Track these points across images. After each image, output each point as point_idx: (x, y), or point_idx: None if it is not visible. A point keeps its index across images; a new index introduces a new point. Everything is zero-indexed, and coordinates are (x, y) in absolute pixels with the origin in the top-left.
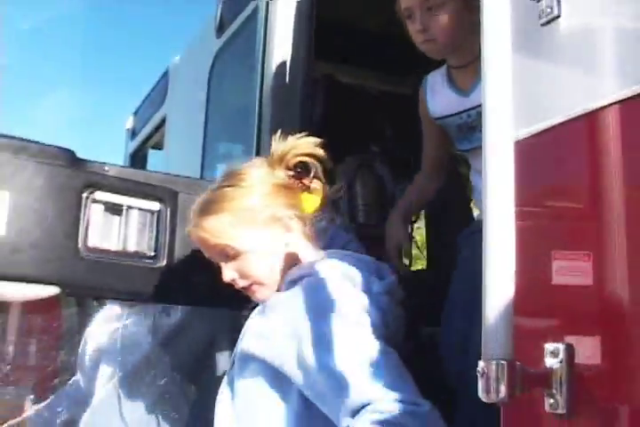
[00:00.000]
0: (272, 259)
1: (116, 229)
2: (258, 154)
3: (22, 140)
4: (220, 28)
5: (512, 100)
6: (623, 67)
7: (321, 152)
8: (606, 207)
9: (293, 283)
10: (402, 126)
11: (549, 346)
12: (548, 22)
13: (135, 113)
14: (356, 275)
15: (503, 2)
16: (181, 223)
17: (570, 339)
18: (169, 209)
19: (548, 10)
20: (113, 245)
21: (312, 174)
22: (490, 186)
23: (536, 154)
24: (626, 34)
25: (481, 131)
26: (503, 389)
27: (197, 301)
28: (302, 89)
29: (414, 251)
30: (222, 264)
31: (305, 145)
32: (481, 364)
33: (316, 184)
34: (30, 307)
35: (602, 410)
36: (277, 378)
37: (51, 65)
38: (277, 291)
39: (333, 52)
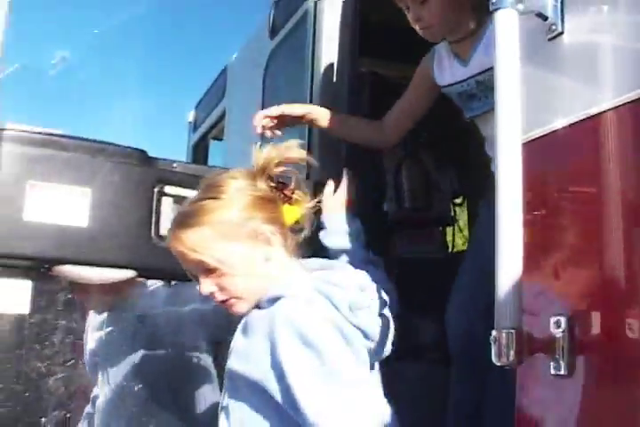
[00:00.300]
0: (251, 274)
1: None
2: (309, 146)
3: (100, 142)
4: (273, 30)
5: (521, 106)
6: (618, 76)
7: (303, 154)
8: (605, 195)
9: (272, 302)
10: (443, 118)
11: (553, 318)
12: (554, 38)
13: (196, 107)
14: (330, 307)
15: (514, 20)
16: None
17: (571, 312)
18: None
19: (553, 27)
20: None
21: (293, 184)
22: (502, 181)
23: (542, 153)
24: (620, 48)
25: (479, 99)
26: (512, 354)
27: None
28: (349, 84)
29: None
30: (200, 278)
31: (285, 150)
32: (494, 333)
33: (298, 195)
34: (108, 288)
35: (597, 372)
36: (266, 395)
37: (118, 65)
38: (257, 305)
39: (378, 49)
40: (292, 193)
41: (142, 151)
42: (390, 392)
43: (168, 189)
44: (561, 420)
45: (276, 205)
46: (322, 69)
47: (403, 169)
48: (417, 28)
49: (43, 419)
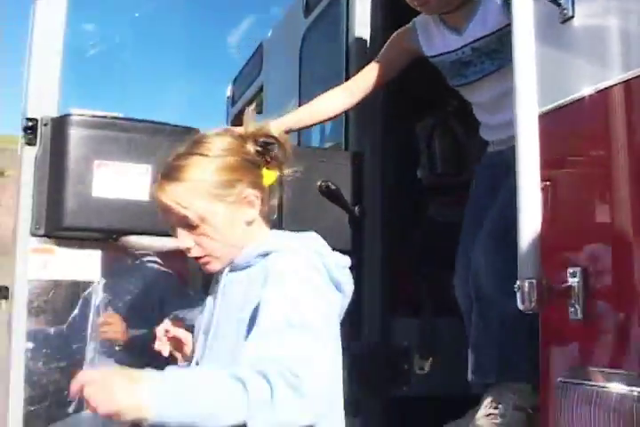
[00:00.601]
0: (232, 235)
1: None
2: (346, 118)
3: (157, 123)
4: (307, 9)
5: (537, 82)
6: (624, 55)
7: (286, 137)
8: (613, 157)
9: (262, 257)
10: None
11: (570, 269)
12: (565, 21)
13: (233, 82)
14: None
15: (530, 5)
16: (286, 182)
17: (585, 264)
18: None
19: (565, 11)
20: None
21: (272, 153)
22: (521, 150)
23: (556, 124)
24: (626, 29)
25: (475, 65)
26: (534, 301)
27: None
28: None
29: None
30: (179, 231)
31: (274, 129)
32: (518, 282)
33: (278, 160)
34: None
35: (608, 316)
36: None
37: (158, 45)
38: (232, 265)
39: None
40: (274, 158)
41: (195, 129)
42: (427, 345)
43: None
44: (579, 357)
45: (259, 169)
46: (356, 45)
47: (434, 137)
48: (414, 3)
49: None
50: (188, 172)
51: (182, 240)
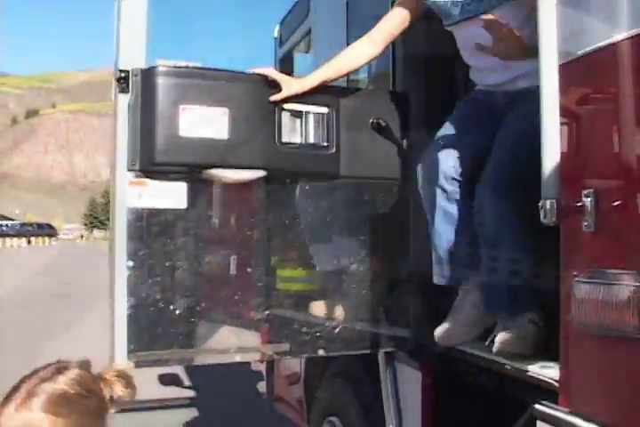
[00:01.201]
0: None
1: (299, 128)
2: (393, 58)
3: (232, 71)
4: None
5: (557, 36)
6: (635, 12)
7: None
8: (623, 100)
9: None
10: None
11: (584, 191)
12: None
13: (281, 23)
14: None
15: None
16: (343, 120)
17: (597, 186)
18: (334, 111)
19: None
20: (298, 139)
21: None
22: (544, 96)
23: (575, 74)
24: None
25: (462, 6)
26: (555, 216)
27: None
28: None
29: None
30: None
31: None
32: (541, 202)
33: None
34: (243, 186)
35: (614, 229)
36: None
37: None
38: None
39: None
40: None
41: (265, 76)
42: None
43: (286, 105)
44: (591, 261)
45: None
46: None
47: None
48: None
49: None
50: None
51: None
